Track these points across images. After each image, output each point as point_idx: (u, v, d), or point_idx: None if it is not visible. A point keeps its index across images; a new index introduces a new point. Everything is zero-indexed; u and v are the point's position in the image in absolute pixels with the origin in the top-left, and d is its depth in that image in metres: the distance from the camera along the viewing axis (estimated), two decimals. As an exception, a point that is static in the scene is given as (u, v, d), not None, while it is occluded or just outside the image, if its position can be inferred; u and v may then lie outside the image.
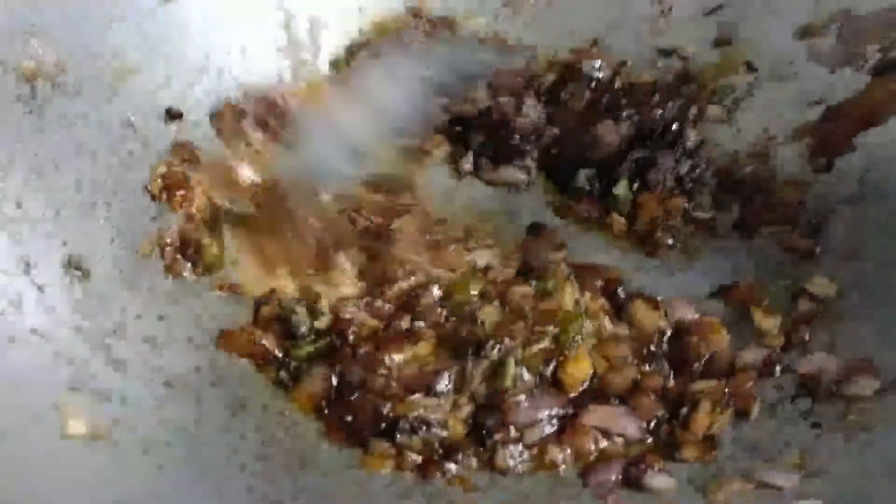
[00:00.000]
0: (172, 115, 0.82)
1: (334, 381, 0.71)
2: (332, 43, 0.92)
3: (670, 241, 0.84)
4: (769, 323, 0.74)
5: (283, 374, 0.72)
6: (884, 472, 0.60)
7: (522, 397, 0.69)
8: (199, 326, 0.73)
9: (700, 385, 0.71)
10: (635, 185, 0.87)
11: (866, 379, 0.66)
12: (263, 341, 0.73)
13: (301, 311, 0.75)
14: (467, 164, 0.90)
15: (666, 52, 0.93)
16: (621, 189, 0.87)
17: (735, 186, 0.85)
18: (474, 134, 0.91)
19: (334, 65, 0.92)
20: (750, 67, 0.90)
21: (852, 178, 0.80)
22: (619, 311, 0.77)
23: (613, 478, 0.66)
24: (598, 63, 0.92)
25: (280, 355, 0.73)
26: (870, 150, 0.80)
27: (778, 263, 0.79)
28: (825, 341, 0.72)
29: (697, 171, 0.86)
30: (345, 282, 0.79)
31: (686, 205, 0.85)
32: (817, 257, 0.78)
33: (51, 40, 0.74)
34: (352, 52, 0.91)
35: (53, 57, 0.75)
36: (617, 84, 0.93)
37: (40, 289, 0.66)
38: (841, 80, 0.84)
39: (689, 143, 0.87)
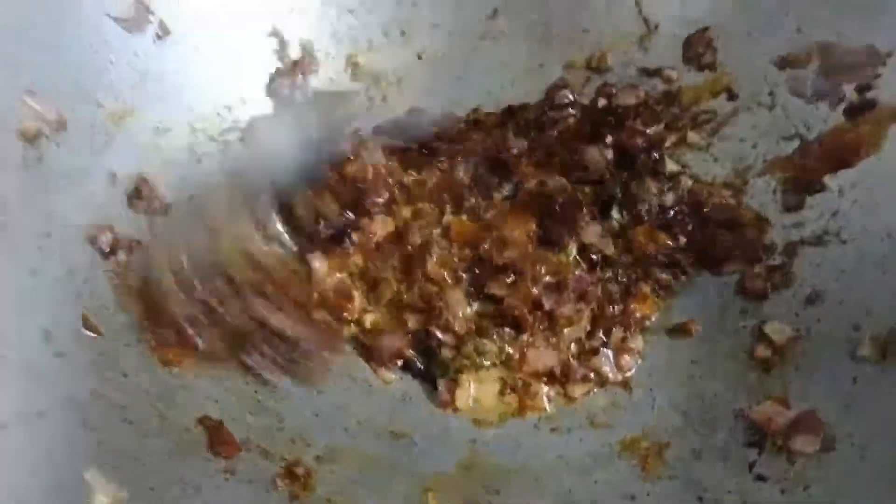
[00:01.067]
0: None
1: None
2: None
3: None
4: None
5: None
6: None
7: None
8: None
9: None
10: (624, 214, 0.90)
11: (809, 436, 0.71)
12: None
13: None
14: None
15: (650, 73, 0.95)
16: (615, 213, 0.90)
17: (706, 220, 0.88)
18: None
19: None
20: (730, 94, 0.91)
21: (820, 219, 0.83)
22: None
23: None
24: (570, 94, 0.94)
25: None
26: (839, 192, 0.82)
27: (743, 304, 0.83)
28: (778, 389, 0.77)
29: (679, 203, 0.89)
30: None
31: (669, 241, 0.87)
32: (779, 300, 0.82)
33: (50, 96, 0.76)
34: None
35: (54, 114, 0.77)
36: (601, 104, 0.95)
37: (60, 355, 0.70)
38: (818, 116, 0.85)
39: (669, 171, 0.91)
